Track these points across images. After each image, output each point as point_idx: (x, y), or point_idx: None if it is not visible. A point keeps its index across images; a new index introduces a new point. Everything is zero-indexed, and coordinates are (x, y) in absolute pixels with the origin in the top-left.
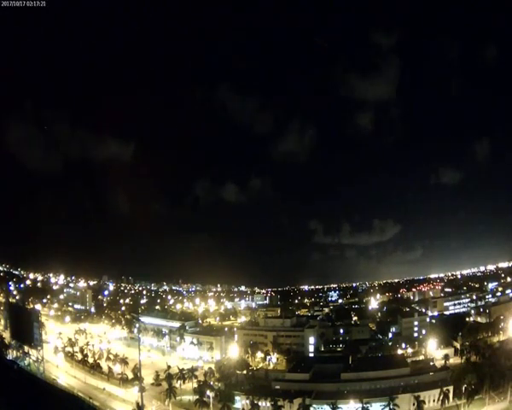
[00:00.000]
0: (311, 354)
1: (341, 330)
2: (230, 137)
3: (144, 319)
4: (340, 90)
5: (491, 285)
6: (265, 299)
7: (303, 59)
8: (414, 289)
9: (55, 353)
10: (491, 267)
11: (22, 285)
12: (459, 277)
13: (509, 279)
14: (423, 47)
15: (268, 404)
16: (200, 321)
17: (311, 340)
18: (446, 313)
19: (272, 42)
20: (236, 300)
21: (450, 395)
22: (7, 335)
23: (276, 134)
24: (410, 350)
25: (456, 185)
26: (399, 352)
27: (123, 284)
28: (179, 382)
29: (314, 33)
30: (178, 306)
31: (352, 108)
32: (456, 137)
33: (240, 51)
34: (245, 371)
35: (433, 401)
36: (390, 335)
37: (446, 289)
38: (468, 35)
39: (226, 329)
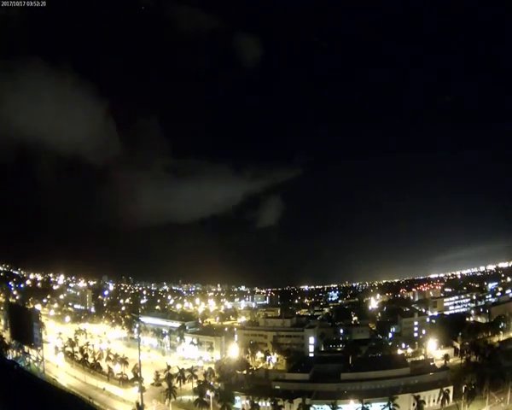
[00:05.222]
0: (311, 354)
1: (341, 330)
2: None
3: (144, 319)
4: None
5: (491, 285)
6: (265, 299)
7: None
8: (414, 289)
9: (55, 353)
10: (491, 267)
11: (22, 285)
12: (459, 277)
13: (509, 279)
14: None
15: (268, 404)
16: (200, 321)
17: (311, 340)
18: (446, 313)
19: None
20: (236, 300)
21: (450, 395)
22: (7, 335)
23: None
24: (410, 350)
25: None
26: (399, 352)
27: (123, 284)
28: (179, 382)
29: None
30: (178, 306)
31: None
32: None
33: None
34: (245, 371)
35: (433, 401)
36: (390, 335)
37: (446, 289)
38: None
39: (226, 329)
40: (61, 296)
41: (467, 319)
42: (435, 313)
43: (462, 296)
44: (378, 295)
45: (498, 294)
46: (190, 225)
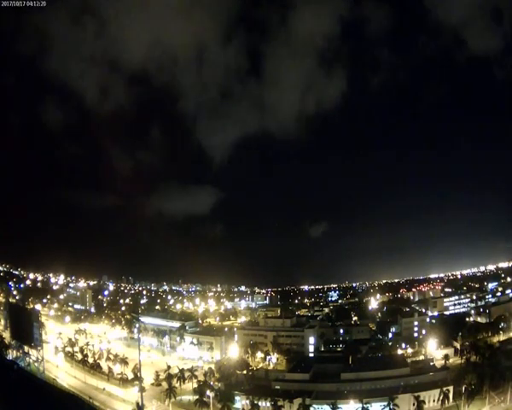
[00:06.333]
0: (311, 354)
1: (341, 331)
2: None
3: (144, 319)
4: None
5: (491, 285)
6: (265, 299)
7: None
8: (414, 289)
9: (55, 353)
10: (491, 267)
11: (22, 285)
12: (459, 277)
13: (509, 279)
14: None
15: (268, 404)
16: (200, 321)
17: (311, 340)
18: (446, 313)
19: None
20: (236, 300)
21: (450, 395)
22: (7, 335)
23: None
24: (410, 350)
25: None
26: (399, 352)
27: (123, 284)
28: (179, 382)
29: None
30: (178, 306)
31: None
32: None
33: None
34: (245, 371)
35: (433, 401)
36: (390, 335)
37: (446, 289)
38: None
39: (226, 329)
40: (61, 296)
41: (467, 319)
42: (435, 313)
43: (462, 296)
44: (378, 295)
45: (498, 294)
46: None
